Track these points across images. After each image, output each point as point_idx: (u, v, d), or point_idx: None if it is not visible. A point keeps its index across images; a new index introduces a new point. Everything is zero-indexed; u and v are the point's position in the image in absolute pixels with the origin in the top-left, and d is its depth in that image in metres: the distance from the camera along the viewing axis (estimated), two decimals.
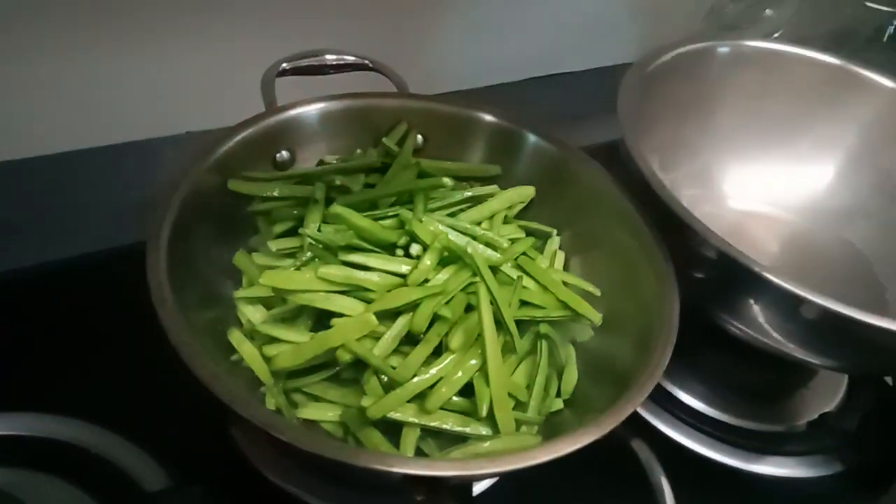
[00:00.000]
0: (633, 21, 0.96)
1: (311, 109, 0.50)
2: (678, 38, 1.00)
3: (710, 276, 0.48)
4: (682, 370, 0.58)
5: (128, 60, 0.64)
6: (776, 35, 0.88)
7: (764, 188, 0.65)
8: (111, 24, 0.61)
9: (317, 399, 0.40)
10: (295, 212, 0.46)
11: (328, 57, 0.55)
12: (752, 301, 0.46)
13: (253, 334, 0.42)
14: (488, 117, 0.53)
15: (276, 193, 0.45)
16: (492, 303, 0.41)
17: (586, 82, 0.96)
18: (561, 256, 0.51)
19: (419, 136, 0.54)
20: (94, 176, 0.66)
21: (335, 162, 0.51)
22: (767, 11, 0.88)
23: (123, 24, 0.61)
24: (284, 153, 0.50)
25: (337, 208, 0.42)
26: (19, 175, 0.63)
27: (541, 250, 0.51)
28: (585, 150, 0.74)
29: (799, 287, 0.41)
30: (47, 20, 0.58)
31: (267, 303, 0.43)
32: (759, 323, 0.47)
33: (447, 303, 0.40)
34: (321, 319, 0.41)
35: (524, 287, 0.45)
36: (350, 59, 0.55)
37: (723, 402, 0.57)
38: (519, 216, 0.53)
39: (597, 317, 0.46)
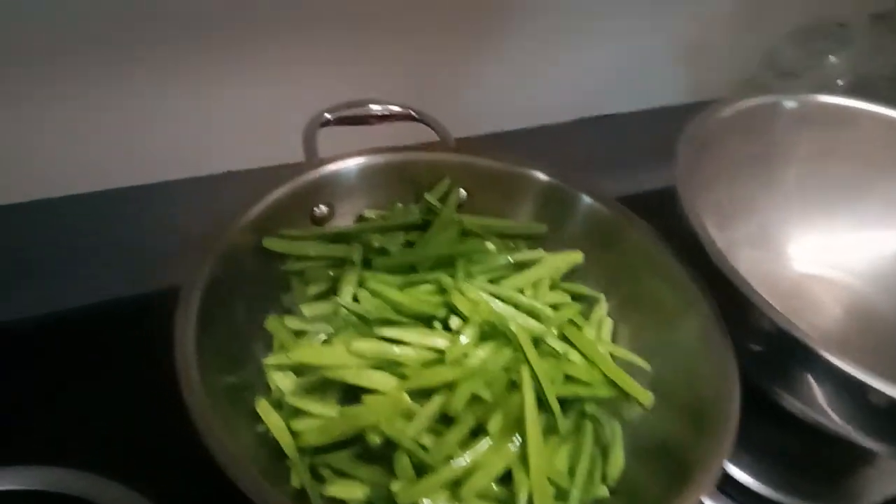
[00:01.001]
0: (683, 62, 0.93)
1: (352, 164, 0.49)
2: (731, 81, 0.98)
3: (766, 349, 0.44)
4: (736, 443, 0.54)
5: (170, 99, 0.64)
6: (840, 82, 0.83)
7: (828, 250, 0.62)
8: (155, 63, 0.61)
9: (344, 475, 0.38)
10: (331, 272, 0.44)
11: (372, 107, 0.53)
12: (811, 380, 0.43)
13: (281, 402, 0.40)
14: (539, 175, 0.51)
15: (310, 253, 0.43)
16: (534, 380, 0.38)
17: (634, 124, 0.93)
18: (609, 324, 0.48)
19: (462, 191, 0.52)
20: (134, 215, 0.65)
21: (375, 217, 0.49)
22: (830, 58, 0.84)
23: (167, 64, 0.61)
24: (323, 207, 0.49)
25: (373, 283, 0.40)
26: (57, 214, 0.63)
27: (586, 315, 0.48)
28: (632, 198, 0.71)
29: (865, 373, 0.38)
30: (88, 59, 0.58)
31: (298, 369, 0.41)
32: (818, 403, 0.44)
33: (486, 382, 0.38)
34: (353, 389, 0.39)
35: (569, 360, 0.42)
36: (395, 108, 0.53)
37: (777, 479, 0.53)
38: (564, 278, 0.50)
39: (647, 398, 0.43)
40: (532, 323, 0.43)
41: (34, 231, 0.62)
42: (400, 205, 0.51)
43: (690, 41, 0.90)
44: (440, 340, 0.39)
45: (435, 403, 0.37)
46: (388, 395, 0.36)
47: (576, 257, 0.49)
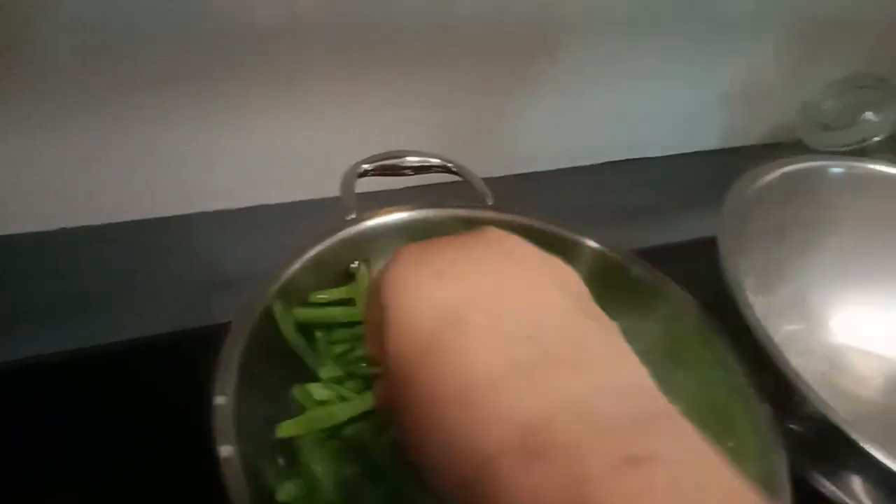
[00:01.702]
0: (721, 108, 0.92)
1: (392, 220, 0.48)
2: (767, 130, 0.97)
3: (806, 434, 0.43)
4: None
5: (214, 133, 0.63)
6: (876, 139, 0.82)
7: (872, 324, 0.60)
8: (204, 96, 0.61)
9: None
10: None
11: (409, 159, 0.52)
12: (853, 472, 0.41)
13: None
14: (590, 243, 0.50)
15: (338, 318, 0.43)
16: None
17: (670, 168, 0.92)
18: None
19: None
20: (169, 248, 0.65)
21: None
22: (867, 114, 0.82)
23: (215, 98, 0.61)
24: (359, 263, 0.48)
25: None
26: (99, 243, 0.63)
27: None
28: (666, 248, 0.70)
29: None
30: (140, 90, 0.58)
31: None
32: (859, 497, 0.42)
33: None
34: None
35: None
36: (433, 161, 0.53)
37: None
38: None
39: None
40: None
41: (67, 262, 0.61)
42: None
43: (730, 87, 0.89)
44: None
45: None
46: None
47: None
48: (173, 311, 0.57)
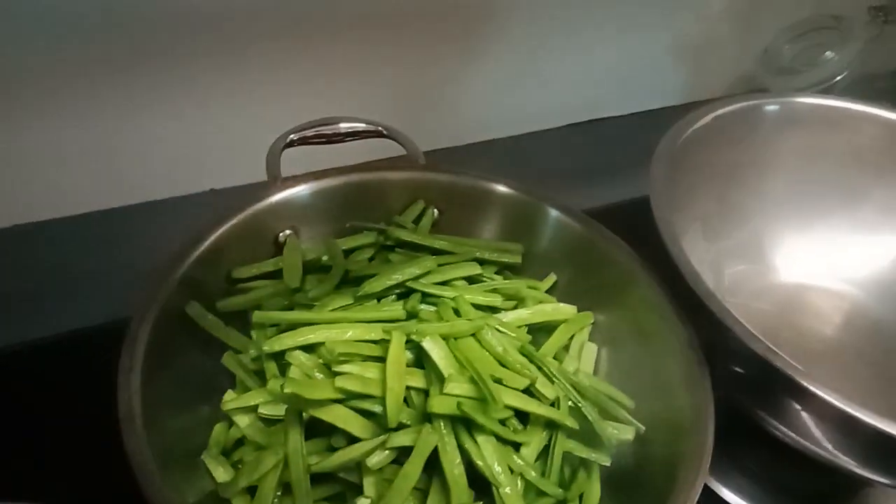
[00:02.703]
0: (675, 62, 0.90)
1: (319, 185, 0.47)
2: (728, 80, 0.95)
3: (750, 376, 0.42)
4: (726, 466, 0.52)
5: (147, 119, 0.63)
6: (838, 78, 0.81)
7: (823, 258, 0.59)
8: (134, 83, 0.60)
9: None
10: (286, 302, 0.42)
11: (341, 125, 0.51)
12: (796, 408, 0.41)
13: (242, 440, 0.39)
14: (503, 189, 0.49)
15: (268, 291, 0.42)
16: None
17: (630, 127, 0.91)
18: (591, 350, 0.46)
19: (435, 210, 0.50)
20: (114, 237, 0.64)
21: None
22: (828, 54, 0.81)
23: (142, 83, 0.60)
24: (288, 231, 0.47)
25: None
26: (39, 239, 0.62)
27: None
28: (627, 205, 0.69)
29: (852, 406, 0.36)
30: (65, 80, 0.57)
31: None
32: (806, 431, 0.41)
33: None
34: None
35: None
36: (362, 126, 0.52)
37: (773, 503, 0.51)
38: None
39: (630, 432, 0.41)
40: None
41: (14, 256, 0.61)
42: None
43: (685, 40, 0.87)
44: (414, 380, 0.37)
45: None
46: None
47: (586, 318, 0.47)
48: (110, 302, 0.56)
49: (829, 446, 0.41)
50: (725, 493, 0.51)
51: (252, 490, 0.37)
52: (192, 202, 0.69)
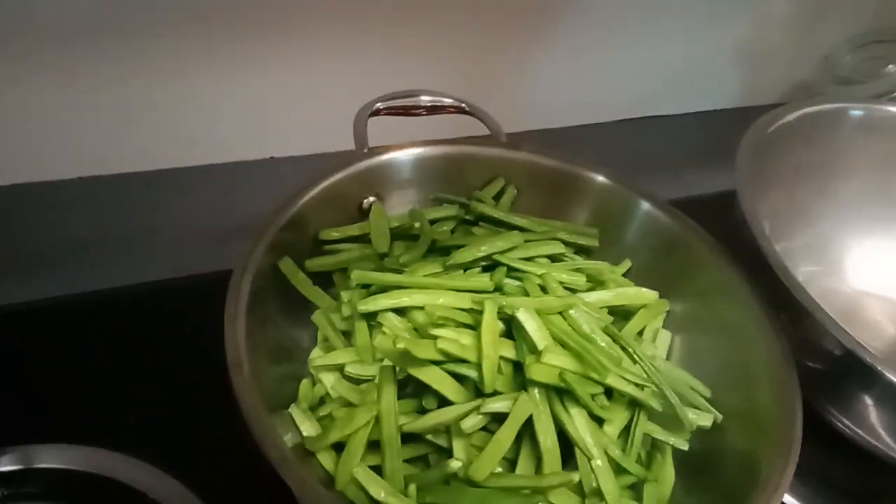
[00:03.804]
0: (738, 65, 0.90)
1: (404, 155, 0.48)
2: (786, 86, 0.95)
3: (825, 369, 0.43)
4: None
5: (218, 81, 0.63)
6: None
7: (887, 268, 0.59)
8: (204, 44, 0.60)
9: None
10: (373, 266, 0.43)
11: (423, 98, 0.52)
12: (870, 403, 0.41)
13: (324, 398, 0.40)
14: (598, 177, 0.49)
15: (354, 255, 0.42)
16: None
17: (684, 126, 0.91)
18: (666, 337, 0.46)
19: (514, 189, 0.51)
20: (176, 198, 0.65)
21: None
22: (890, 67, 0.81)
23: (216, 45, 0.60)
24: (371, 198, 0.48)
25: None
26: (103, 193, 0.63)
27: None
28: (680, 202, 0.69)
29: None
30: (140, 39, 0.57)
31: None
32: (875, 428, 0.42)
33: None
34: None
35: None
36: (447, 101, 0.52)
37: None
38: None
39: (708, 419, 0.41)
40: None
41: (81, 209, 0.61)
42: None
43: (746, 44, 0.87)
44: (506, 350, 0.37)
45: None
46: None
47: (662, 305, 0.47)
48: (177, 260, 0.57)
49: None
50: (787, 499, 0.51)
51: (337, 447, 0.37)
52: (252, 168, 0.69)
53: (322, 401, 0.40)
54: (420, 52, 0.70)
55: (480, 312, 0.38)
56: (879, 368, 0.38)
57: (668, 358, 0.46)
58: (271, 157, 0.71)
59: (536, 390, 0.36)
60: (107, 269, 0.56)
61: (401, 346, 0.34)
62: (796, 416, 0.37)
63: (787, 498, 0.51)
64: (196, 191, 0.66)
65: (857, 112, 0.55)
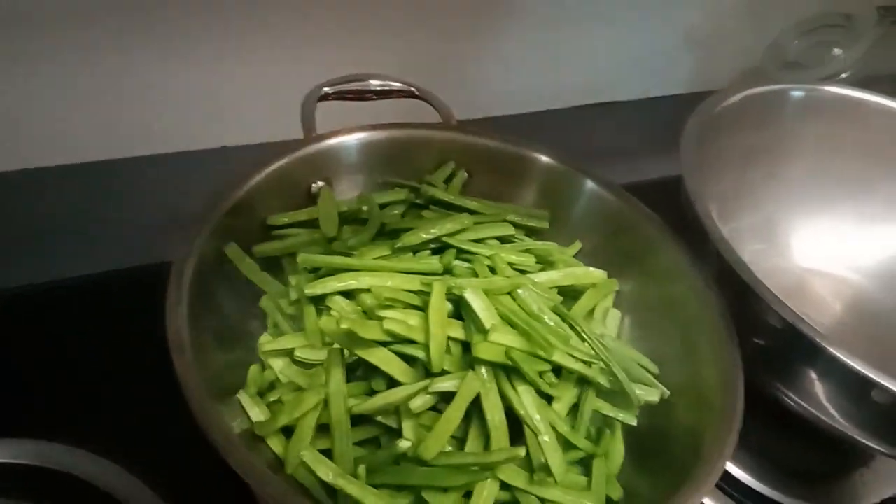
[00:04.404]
0: (688, 52, 0.92)
1: (351, 139, 0.47)
2: (737, 71, 0.97)
3: (769, 344, 0.44)
4: None
5: (167, 69, 0.62)
6: (843, 76, 0.82)
7: (832, 246, 0.61)
8: (151, 32, 0.59)
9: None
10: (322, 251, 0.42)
11: (373, 83, 0.51)
12: (814, 376, 0.42)
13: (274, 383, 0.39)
14: (544, 158, 0.49)
15: (302, 239, 0.42)
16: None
17: (638, 112, 0.92)
18: (616, 316, 0.47)
19: (465, 172, 0.51)
20: (125, 187, 0.64)
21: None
22: (835, 51, 0.83)
23: (163, 33, 0.59)
24: (321, 183, 0.47)
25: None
26: (47, 183, 0.61)
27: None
28: (633, 187, 0.70)
29: (871, 369, 0.37)
30: (87, 27, 0.56)
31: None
32: (820, 401, 0.43)
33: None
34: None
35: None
36: (396, 85, 0.52)
37: (775, 479, 0.52)
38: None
39: (656, 394, 0.42)
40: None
41: (26, 200, 0.60)
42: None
43: (699, 30, 0.89)
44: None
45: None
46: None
47: (611, 285, 0.47)
48: (123, 250, 0.56)
49: (841, 416, 0.42)
50: (731, 468, 0.52)
51: (286, 431, 0.37)
52: (204, 158, 0.68)
53: (273, 386, 0.40)
54: (376, 39, 0.69)
55: (429, 294, 0.38)
56: (819, 341, 0.39)
57: (618, 336, 0.47)
58: (223, 146, 0.70)
59: (484, 369, 0.37)
60: (55, 260, 0.55)
61: (345, 326, 0.34)
62: (738, 391, 0.38)
63: (737, 472, 0.52)
64: (147, 181, 0.65)
65: (798, 93, 0.57)
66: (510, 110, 0.83)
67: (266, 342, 0.40)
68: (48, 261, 0.55)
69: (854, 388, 0.39)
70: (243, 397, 0.38)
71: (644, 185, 0.74)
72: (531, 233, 0.50)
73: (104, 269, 0.55)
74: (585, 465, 0.39)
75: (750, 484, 0.52)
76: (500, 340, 0.36)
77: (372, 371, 0.37)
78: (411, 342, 0.36)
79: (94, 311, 0.51)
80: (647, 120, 0.91)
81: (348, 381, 0.38)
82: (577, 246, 0.49)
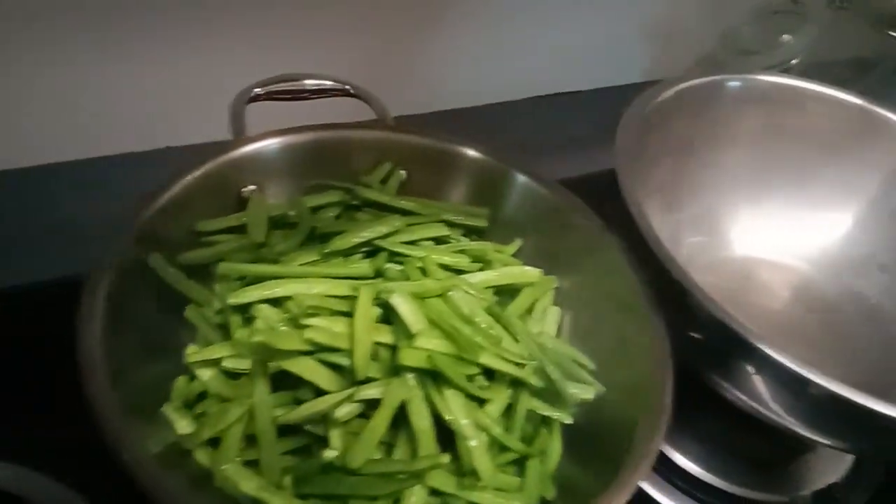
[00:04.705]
0: (642, 41, 0.92)
1: (278, 142, 0.46)
2: (691, 60, 0.97)
3: (706, 339, 0.44)
4: (678, 430, 0.53)
5: (106, 71, 0.60)
6: (793, 62, 0.83)
7: (774, 234, 0.61)
8: (89, 33, 0.58)
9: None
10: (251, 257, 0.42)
11: (307, 82, 0.50)
12: (750, 371, 0.42)
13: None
14: (472, 153, 0.49)
15: (231, 246, 0.41)
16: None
17: (591, 102, 0.92)
18: (555, 314, 0.46)
19: (402, 172, 0.50)
20: (66, 191, 0.62)
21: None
22: (785, 37, 0.83)
23: (102, 33, 0.58)
24: (252, 187, 0.46)
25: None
26: None
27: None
28: (587, 178, 0.70)
29: (802, 366, 0.37)
30: (24, 27, 0.54)
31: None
32: (757, 394, 0.43)
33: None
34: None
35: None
36: (329, 84, 0.51)
37: (722, 467, 0.53)
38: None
39: (590, 392, 0.42)
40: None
41: None
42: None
43: (651, 18, 0.88)
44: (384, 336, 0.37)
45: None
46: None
47: (549, 283, 0.47)
48: (71, 257, 0.55)
49: (779, 408, 0.43)
50: (677, 458, 0.53)
51: (215, 442, 0.36)
52: (147, 159, 0.67)
53: (201, 397, 0.39)
54: (319, 33, 0.68)
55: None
56: (751, 340, 0.38)
57: (558, 334, 0.47)
58: (167, 147, 0.69)
59: (412, 375, 0.36)
60: None
61: (258, 339, 0.33)
62: (667, 385, 0.38)
63: (682, 460, 0.53)
64: (87, 184, 0.63)
65: (735, 83, 0.57)
66: (466, 103, 0.83)
67: (193, 353, 0.39)
68: None
69: (791, 384, 0.40)
70: (168, 410, 0.37)
71: (596, 176, 0.74)
72: (472, 232, 0.50)
73: (33, 279, 0.53)
74: (521, 464, 0.39)
75: (695, 473, 0.52)
76: (425, 345, 0.36)
77: (300, 380, 0.36)
78: (336, 350, 0.36)
79: (23, 322, 0.49)
80: (604, 110, 0.90)
81: (278, 389, 0.37)
82: (517, 244, 0.49)
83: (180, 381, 0.39)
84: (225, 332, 0.40)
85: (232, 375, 0.39)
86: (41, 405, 0.45)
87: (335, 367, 0.36)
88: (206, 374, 0.39)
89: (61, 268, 0.52)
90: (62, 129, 0.63)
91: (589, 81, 0.92)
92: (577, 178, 0.73)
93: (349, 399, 0.35)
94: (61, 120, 0.62)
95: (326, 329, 0.36)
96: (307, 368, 0.35)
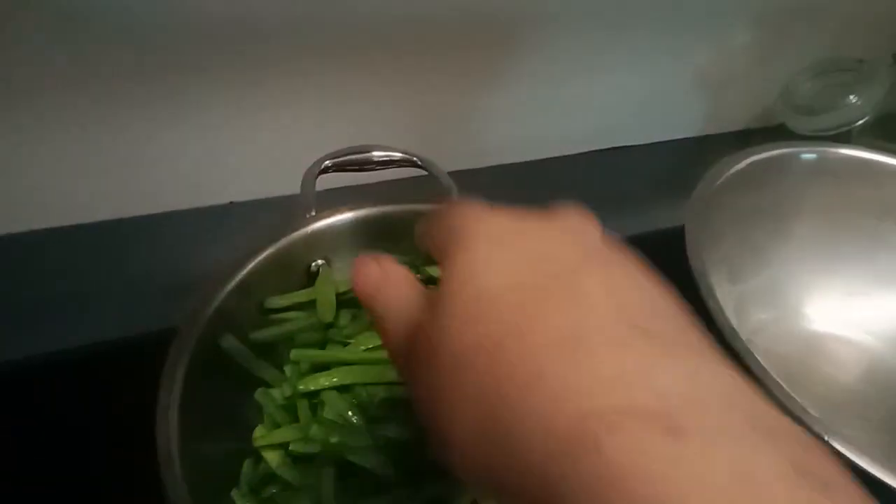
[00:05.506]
0: (696, 95, 0.91)
1: (349, 217, 0.47)
2: (749, 114, 0.96)
3: None
4: None
5: (168, 130, 0.62)
6: (859, 123, 0.81)
7: (844, 308, 0.59)
8: (158, 92, 0.59)
9: None
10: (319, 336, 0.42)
11: (375, 153, 0.51)
12: None
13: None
14: None
15: (300, 324, 0.41)
16: None
17: (646, 157, 0.91)
18: None
19: None
20: (131, 248, 0.64)
21: None
22: (851, 97, 0.81)
23: (163, 93, 0.60)
24: (320, 262, 0.47)
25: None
26: (53, 246, 0.62)
27: None
28: (647, 236, 0.69)
29: (860, 457, 0.36)
30: (96, 85, 0.56)
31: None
32: None
33: None
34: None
35: None
36: (397, 155, 0.51)
37: None
38: None
39: None
40: None
41: (26, 265, 0.60)
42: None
43: (707, 73, 0.88)
44: None
45: None
46: None
47: None
48: (136, 313, 0.56)
49: None
50: None
51: None
52: (211, 214, 0.69)
53: (270, 478, 0.39)
54: (378, 95, 0.69)
55: None
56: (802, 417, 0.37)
57: None
58: (230, 202, 0.70)
59: None
60: (57, 329, 0.55)
61: (334, 440, 0.33)
62: None
63: None
64: (156, 239, 0.65)
65: (807, 156, 0.56)
66: (520, 158, 0.83)
67: (260, 435, 0.39)
68: (46, 330, 0.55)
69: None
70: (237, 495, 0.37)
71: (654, 234, 0.74)
72: None
73: (107, 337, 0.54)
74: None
75: None
76: None
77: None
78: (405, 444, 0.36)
79: (92, 383, 0.50)
80: (658, 164, 0.90)
81: (345, 475, 0.37)
82: None
83: (247, 465, 0.39)
84: (293, 413, 0.40)
85: (300, 458, 0.39)
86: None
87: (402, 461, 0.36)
88: (274, 459, 0.39)
89: (136, 324, 0.54)
90: (118, 188, 0.64)
91: (644, 136, 0.91)
92: (631, 237, 0.73)
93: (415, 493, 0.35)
94: (117, 179, 0.63)
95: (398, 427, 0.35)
96: (378, 465, 0.35)
